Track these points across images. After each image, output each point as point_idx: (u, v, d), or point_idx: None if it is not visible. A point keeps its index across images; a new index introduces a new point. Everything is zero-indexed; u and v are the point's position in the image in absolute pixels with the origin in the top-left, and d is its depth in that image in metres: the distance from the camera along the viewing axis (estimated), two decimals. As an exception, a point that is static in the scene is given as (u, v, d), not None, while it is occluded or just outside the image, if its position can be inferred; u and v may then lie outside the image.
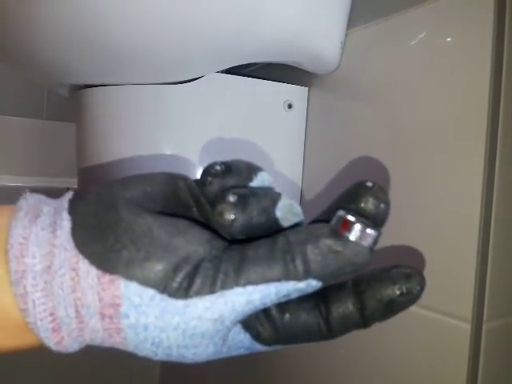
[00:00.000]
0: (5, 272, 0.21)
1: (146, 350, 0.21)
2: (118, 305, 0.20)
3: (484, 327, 0.40)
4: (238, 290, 0.20)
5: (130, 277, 0.20)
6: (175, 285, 0.20)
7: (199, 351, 0.22)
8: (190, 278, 0.20)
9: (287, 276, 0.20)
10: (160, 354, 0.22)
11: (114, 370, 1.01)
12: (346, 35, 0.52)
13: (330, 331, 0.22)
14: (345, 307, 0.22)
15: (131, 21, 0.41)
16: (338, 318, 0.22)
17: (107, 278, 0.20)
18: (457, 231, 0.41)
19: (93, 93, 0.52)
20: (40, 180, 0.95)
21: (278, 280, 0.20)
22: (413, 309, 0.44)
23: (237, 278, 0.20)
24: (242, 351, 0.23)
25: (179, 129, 0.50)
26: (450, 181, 0.41)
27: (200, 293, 0.20)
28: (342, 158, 0.54)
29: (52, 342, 0.21)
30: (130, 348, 0.22)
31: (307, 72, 0.55)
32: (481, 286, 0.39)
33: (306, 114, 0.59)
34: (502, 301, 0.41)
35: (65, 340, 0.21)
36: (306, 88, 0.58)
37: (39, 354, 0.85)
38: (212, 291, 0.20)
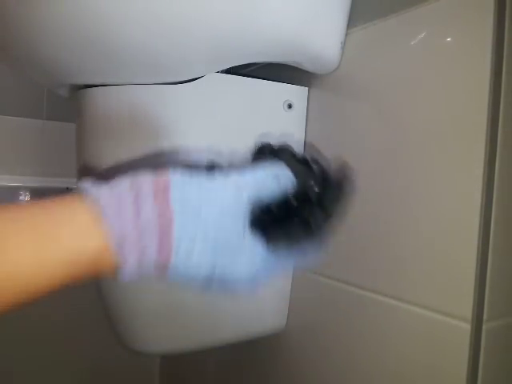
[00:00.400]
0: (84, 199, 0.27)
1: (187, 234, 0.27)
2: (168, 185, 0.27)
3: (484, 327, 0.40)
4: (246, 173, 0.29)
5: (175, 168, 0.29)
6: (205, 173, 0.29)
7: (228, 234, 0.28)
8: (213, 171, 0.30)
9: (272, 163, 0.31)
10: (198, 241, 0.27)
11: (114, 370, 1.01)
12: (346, 35, 0.52)
13: (308, 226, 0.29)
14: (313, 209, 0.30)
15: (132, 20, 0.41)
16: (311, 215, 0.30)
17: (159, 173, 0.28)
18: (457, 231, 0.41)
19: (93, 93, 0.52)
20: (40, 180, 0.95)
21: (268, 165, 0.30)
22: (413, 309, 0.44)
23: (242, 170, 0.30)
24: (257, 254, 0.29)
25: (179, 129, 0.50)
26: (450, 181, 0.41)
27: (222, 176, 0.29)
28: (341, 157, 0.53)
29: (114, 226, 0.26)
30: (175, 236, 0.27)
31: (307, 72, 0.55)
32: (481, 286, 0.39)
33: (306, 114, 0.59)
34: (502, 301, 0.41)
35: (124, 227, 0.26)
36: (306, 88, 0.58)
37: (40, 353, 0.85)
38: (229, 176, 0.29)
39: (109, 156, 0.52)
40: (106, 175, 0.29)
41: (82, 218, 0.26)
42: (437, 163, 0.42)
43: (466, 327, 0.39)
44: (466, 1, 0.40)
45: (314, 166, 0.31)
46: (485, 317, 0.40)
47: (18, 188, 0.89)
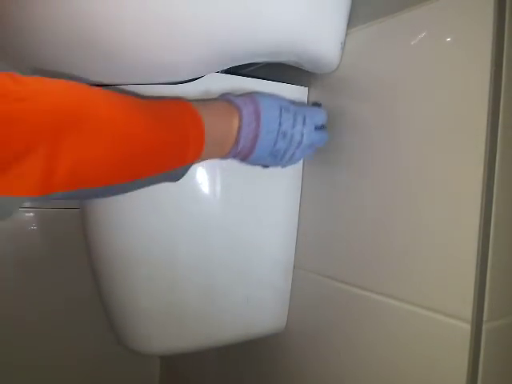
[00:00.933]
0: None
1: (271, 117, 0.47)
2: (256, 99, 0.47)
3: (484, 327, 0.40)
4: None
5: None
6: None
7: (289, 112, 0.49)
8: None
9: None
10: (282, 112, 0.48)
11: (114, 370, 1.01)
12: (346, 35, 0.52)
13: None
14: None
15: (130, 22, 0.41)
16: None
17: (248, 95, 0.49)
18: (457, 231, 0.41)
19: (93, 93, 0.52)
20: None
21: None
22: (413, 309, 0.44)
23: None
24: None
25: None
26: (450, 181, 0.41)
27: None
28: (341, 157, 0.54)
29: (243, 119, 0.45)
30: (262, 119, 0.46)
31: (307, 72, 0.55)
32: (481, 286, 0.39)
33: (306, 114, 0.59)
34: (502, 301, 0.41)
35: (245, 119, 0.46)
36: (306, 88, 0.58)
37: (40, 353, 0.85)
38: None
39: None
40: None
41: (232, 112, 0.46)
42: (437, 163, 0.42)
43: (466, 327, 0.39)
44: (466, 1, 0.40)
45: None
46: (485, 317, 0.40)
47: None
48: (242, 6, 0.43)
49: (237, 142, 0.46)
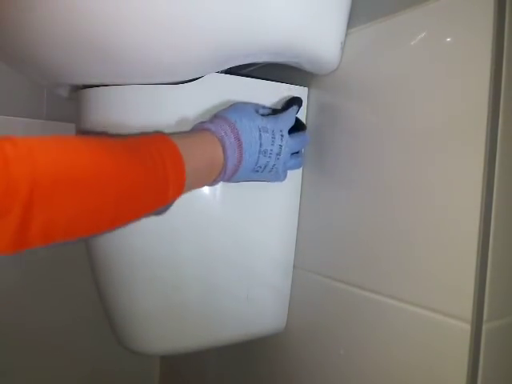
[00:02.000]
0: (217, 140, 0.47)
1: (251, 131, 0.48)
2: (234, 124, 0.47)
3: (484, 327, 0.40)
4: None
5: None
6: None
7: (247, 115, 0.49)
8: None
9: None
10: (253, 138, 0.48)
11: (114, 370, 1.01)
12: (346, 35, 0.52)
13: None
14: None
15: (130, 21, 0.41)
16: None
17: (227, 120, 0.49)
18: (457, 231, 0.41)
19: (93, 93, 0.52)
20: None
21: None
22: (413, 309, 0.44)
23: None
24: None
25: (179, 129, 0.50)
26: (450, 181, 0.41)
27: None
28: (341, 157, 0.54)
29: (225, 145, 0.46)
30: (243, 140, 0.47)
31: (307, 72, 0.55)
32: (481, 286, 0.39)
33: (306, 114, 0.59)
34: (502, 301, 0.41)
35: (227, 146, 0.47)
36: (306, 88, 0.58)
37: (40, 353, 0.84)
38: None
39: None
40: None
41: (214, 142, 0.46)
42: (436, 163, 0.42)
43: (466, 327, 0.39)
44: (466, 1, 0.40)
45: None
46: (485, 317, 0.40)
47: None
48: (241, 6, 0.43)
49: (224, 171, 0.47)
